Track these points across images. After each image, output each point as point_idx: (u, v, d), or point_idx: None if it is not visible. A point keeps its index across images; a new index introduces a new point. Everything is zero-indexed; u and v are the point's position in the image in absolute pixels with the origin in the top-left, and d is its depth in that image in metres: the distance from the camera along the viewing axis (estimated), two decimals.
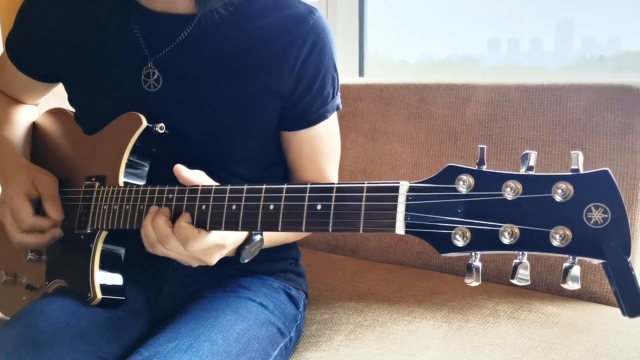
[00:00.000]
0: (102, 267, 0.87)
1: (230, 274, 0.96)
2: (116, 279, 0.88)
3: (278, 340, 0.90)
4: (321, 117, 0.94)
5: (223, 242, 0.77)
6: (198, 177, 0.78)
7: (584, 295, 1.13)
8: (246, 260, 0.83)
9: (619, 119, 1.11)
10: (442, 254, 0.58)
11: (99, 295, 0.85)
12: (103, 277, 0.87)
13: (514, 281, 0.55)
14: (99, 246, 0.87)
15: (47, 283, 0.93)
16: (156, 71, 0.90)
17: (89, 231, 0.88)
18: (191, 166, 0.92)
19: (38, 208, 0.93)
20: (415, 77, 1.39)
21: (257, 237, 0.82)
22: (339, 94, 0.97)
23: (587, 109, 1.14)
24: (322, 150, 0.97)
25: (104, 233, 0.88)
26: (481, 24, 1.68)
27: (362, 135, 1.38)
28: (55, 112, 1.07)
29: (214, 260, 0.79)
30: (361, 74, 1.82)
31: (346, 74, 1.75)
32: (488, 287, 1.17)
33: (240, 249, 0.83)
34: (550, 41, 1.60)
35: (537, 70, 1.70)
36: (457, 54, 1.79)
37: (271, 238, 0.90)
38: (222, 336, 0.82)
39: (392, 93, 1.36)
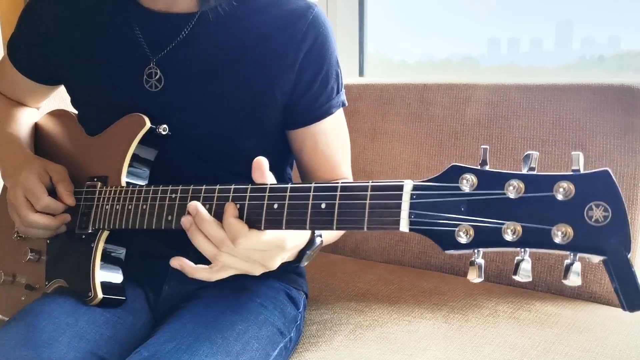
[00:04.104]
0: (103, 266, 0.87)
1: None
2: (117, 279, 0.89)
3: (278, 341, 0.90)
4: (326, 112, 0.93)
5: (282, 244, 0.73)
6: (272, 179, 0.74)
7: (584, 295, 1.14)
8: (305, 264, 0.82)
9: (619, 119, 1.11)
10: (446, 251, 0.58)
11: (100, 295, 0.85)
12: (104, 277, 0.87)
13: (516, 277, 0.56)
14: (100, 246, 0.87)
15: (46, 283, 0.93)
16: (158, 71, 0.90)
17: (90, 231, 0.88)
18: (193, 165, 0.92)
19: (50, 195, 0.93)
20: (415, 77, 1.39)
21: (318, 240, 0.81)
22: (343, 90, 0.97)
23: (587, 109, 1.14)
24: (334, 146, 0.96)
25: (106, 233, 0.88)
26: (481, 24, 1.68)
27: (362, 135, 1.38)
28: (57, 114, 1.07)
29: (275, 264, 0.76)
30: (361, 74, 1.82)
31: (346, 74, 1.74)
32: (488, 287, 1.17)
33: (302, 253, 0.80)
34: (550, 41, 1.60)
35: (537, 70, 1.70)
36: (457, 54, 1.80)
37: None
38: (221, 336, 0.82)
39: (392, 93, 1.36)
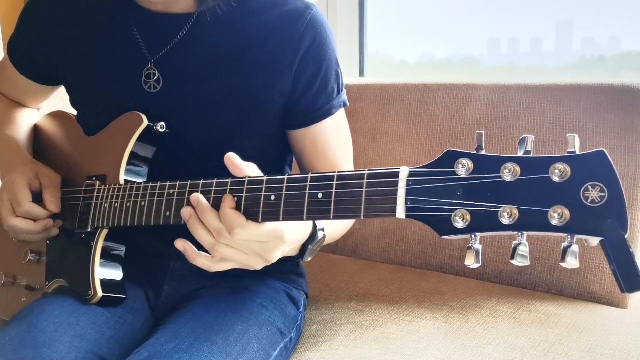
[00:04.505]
0: (103, 264, 0.87)
1: (230, 274, 0.95)
2: (116, 277, 0.89)
3: (278, 340, 0.90)
4: (327, 113, 0.93)
5: (281, 235, 0.72)
6: (250, 168, 0.74)
7: (584, 295, 1.13)
8: (309, 259, 0.82)
9: (619, 119, 1.11)
10: (443, 237, 0.58)
11: (100, 293, 0.85)
12: (103, 275, 0.87)
13: (514, 261, 0.55)
14: (100, 244, 0.87)
15: (47, 283, 0.93)
16: (156, 72, 0.90)
17: (89, 229, 0.88)
18: (191, 164, 0.92)
19: (37, 200, 0.93)
20: (415, 77, 1.39)
21: (320, 234, 0.80)
22: (344, 90, 0.96)
23: (587, 109, 1.14)
24: (335, 146, 0.96)
25: (105, 231, 0.88)
26: (481, 24, 1.68)
27: (362, 135, 1.38)
28: (56, 115, 1.08)
29: (275, 256, 0.75)
30: (361, 73, 1.82)
31: (346, 74, 1.74)
32: (488, 287, 1.17)
33: (303, 247, 0.80)
34: (550, 41, 1.60)
35: (537, 70, 1.70)
36: (457, 54, 1.80)
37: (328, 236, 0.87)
38: (221, 336, 0.82)
39: (392, 93, 1.36)
